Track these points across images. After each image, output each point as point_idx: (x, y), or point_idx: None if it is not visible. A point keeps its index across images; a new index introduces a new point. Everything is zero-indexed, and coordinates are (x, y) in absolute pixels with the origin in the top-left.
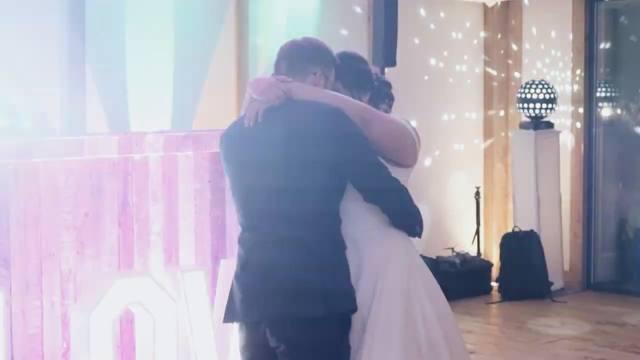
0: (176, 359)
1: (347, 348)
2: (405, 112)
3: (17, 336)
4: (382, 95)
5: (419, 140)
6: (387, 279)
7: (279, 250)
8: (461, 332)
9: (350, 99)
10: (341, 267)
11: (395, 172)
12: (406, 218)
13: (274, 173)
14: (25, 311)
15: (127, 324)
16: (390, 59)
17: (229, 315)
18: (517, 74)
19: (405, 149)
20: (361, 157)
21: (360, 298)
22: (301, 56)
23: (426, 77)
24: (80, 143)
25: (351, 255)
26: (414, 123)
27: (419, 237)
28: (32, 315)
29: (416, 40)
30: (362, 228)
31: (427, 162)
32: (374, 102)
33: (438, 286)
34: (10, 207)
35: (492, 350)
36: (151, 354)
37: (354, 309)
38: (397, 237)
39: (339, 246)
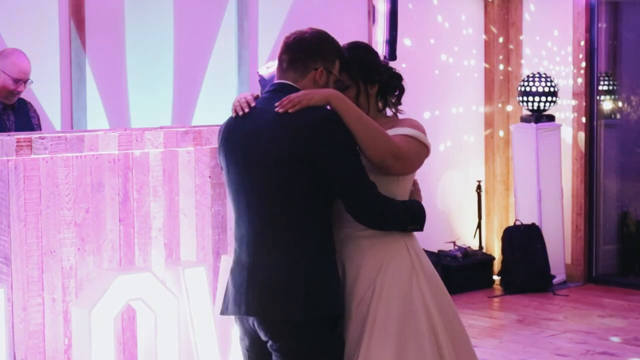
0: (178, 354)
1: (337, 348)
2: (406, 107)
3: (19, 333)
4: (391, 87)
5: (427, 149)
6: (387, 276)
7: (261, 250)
8: (464, 326)
9: (373, 125)
10: (323, 271)
11: (384, 179)
12: (376, 217)
13: (259, 170)
14: (27, 308)
15: (128, 320)
16: (391, 53)
17: (223, 308)
18: (517, 68)
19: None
20: (337, 157)
21: (360, 297)
22: (303, 51)
23: (427, 72)
24: (81, 139)
25: (350, 255)
26: (414, 116)
27: (410, 231)
28: (34, 312)
29: (416, 35)
30: (361, 227)
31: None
32: (383, 94)
33: (441, 282)
34: (11, 204)
35: (494, 344)
36: (153, 349)
37: (337, 314)
38: (396, 235)
39: (322, 249)
